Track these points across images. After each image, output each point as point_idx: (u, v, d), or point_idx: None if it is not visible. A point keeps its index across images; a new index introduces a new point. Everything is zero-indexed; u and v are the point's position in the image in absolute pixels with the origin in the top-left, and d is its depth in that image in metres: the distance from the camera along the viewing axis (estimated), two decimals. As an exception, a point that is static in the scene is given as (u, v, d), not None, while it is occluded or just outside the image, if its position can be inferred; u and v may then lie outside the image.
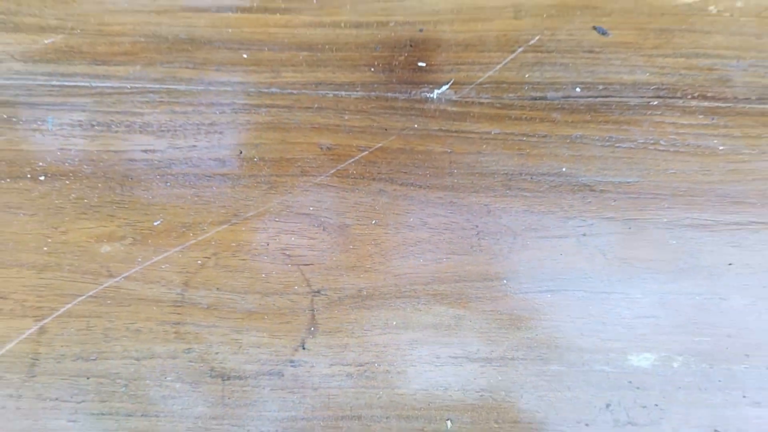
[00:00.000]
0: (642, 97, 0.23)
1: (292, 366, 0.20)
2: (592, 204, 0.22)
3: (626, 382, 0.20)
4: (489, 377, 0.20)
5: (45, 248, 0.21)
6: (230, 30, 0.24)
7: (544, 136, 0.23)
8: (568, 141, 0.23)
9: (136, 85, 0.23)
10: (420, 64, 0.23)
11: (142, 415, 0.20)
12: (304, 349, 0.20)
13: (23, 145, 0.22)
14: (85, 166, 0.22)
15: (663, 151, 0.23)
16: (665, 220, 0.22)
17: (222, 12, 0.24)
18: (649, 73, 0.24)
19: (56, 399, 0.20)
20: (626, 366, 0.20)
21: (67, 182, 0.22)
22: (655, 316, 0.21)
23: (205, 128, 0.22)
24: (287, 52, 0.23)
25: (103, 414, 0.20)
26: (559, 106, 0.23)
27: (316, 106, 0.23)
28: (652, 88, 0.23)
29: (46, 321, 0.20)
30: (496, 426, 0.20)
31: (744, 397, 0.20)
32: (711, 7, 0.24)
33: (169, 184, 0.22)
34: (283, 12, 0.24)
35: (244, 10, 0.24)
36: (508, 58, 0.23)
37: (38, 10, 0.24)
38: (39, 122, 0.23)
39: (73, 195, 0.21)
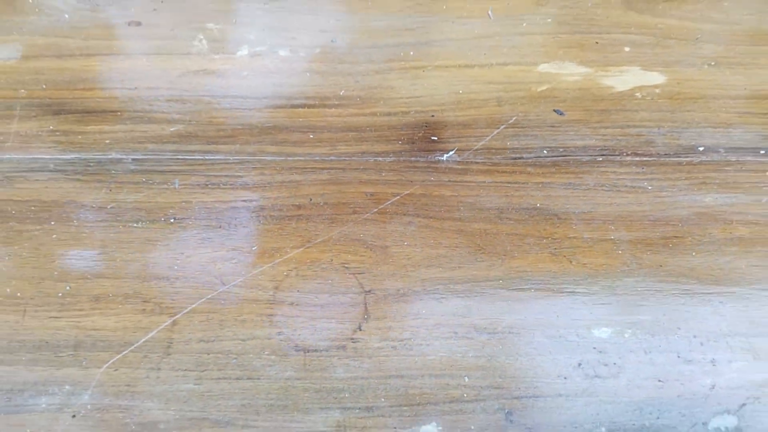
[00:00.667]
0: (591, 155, 0.42)
1: (352, 342, 0.37)
2: (559, 227, 0.40)
3: (591, 348, 0.37)
4: (493, 346, 0.37)
5: (175, 266, 0.38)
6: (301, 119, 0.43)
7: (523, 183, 0.41)
8: (540, 186, 0.41)
9: (236, 158, 0.42)
10: (433, 138, 0.42)
11: (248, 378, 0.36)
12: (360, 330, 0.37)
13: (158, 198, 0.41)
14: (202, 212, 0.40)
15: (608, 191, 0.41)
16: (612, 237, 0.39)
17: (295, 108, 0.43)
18: (595, 139, 0.42)
19: (185, 369, 0.36)
20: (590, 337, 0.37)
21: (190, 222, 0.39)
22: (609, 303, 0.38)
23: (285, 184, 0.41)
24: (340, 132, 0.42)
25: (219, 378, 0.36)
26: (532, 163, 0.41)
27: (361, 167, 0.41)
28: (598, 149, 0.42)
29: (177, 316, 0.38)
30: (500, 380, 0.36)
31: (678, 357, 0.36)
32: (637, 94, 0.44)
33: (261, 222, 0.40)
34: (336, 106, 0.43)
35: (310, 105, 0.43)
36: (495, 132, 0.42)
37: (166, 108, 0.43)
38: (168, 183, 0.41)
39: (194, 231, 0.39)
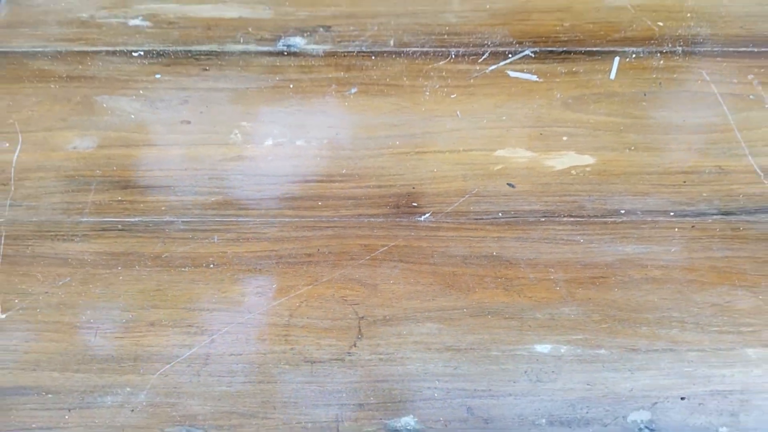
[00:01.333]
0: (536, 217, 0.58)
1: (349, 355, 0.52)
2: (510, 270, 0.55)
3: (535, 360, 0.52)
4: (458, 359, 0.52)
5: (214, 299, 0.54)
6: (312, 191, 0.60)
7: (483, 237, 0.57)
8: (496, 239, 0.57)
9: (262, 219, 0.58)
10: (413, 204, 0.59)
11: (267, 382, 0.51)
12: (355, 346, 0.52)
13: (201, 250, 0.57)
14: (235, 260, 0.56)
15: (549, 243, 0.57)
16: (552, 277, 0.55)
17: (308, 183, 0.60)
18: (539, 205, 0.59)
19: (219, 375, 0.51)
20: (534, 351, 0.52)
21: (225, 268, 0.56)
22: (549, 326, 0.53)
23: (299, 239, 0.57)
24: (342, 200, 0.59)
25: (245, 382, 0.51)
26: (490, 222, 0.58)
27: (358, 226, 0.58)
28: (541, 212, 0.58)
29: (214, 336, 0.53)
30: (463, 384, 0.51)
31: (603, 367, 0.51)
32: (572, 171, 0.60)
33: (280, 266, 0.56)
34: (339, 181, 0.60)
35: (319, 181, 0.60)
36: (461, 200, 0.59)
37: (208, 184, 0.60)
38: (209, 239, 0.57)
39: (229, 274, 0.55)
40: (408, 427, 0.51)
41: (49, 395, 0.54)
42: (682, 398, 0.53)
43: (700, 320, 0.58)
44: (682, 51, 0.79)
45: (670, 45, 0.79)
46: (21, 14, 0.84)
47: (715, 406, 0.53)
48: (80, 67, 0.77)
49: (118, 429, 0.52)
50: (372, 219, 0.65)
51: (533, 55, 0.77)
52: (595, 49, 0.78)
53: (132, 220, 0.65)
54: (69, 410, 0.53)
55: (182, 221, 0.65)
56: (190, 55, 0.78)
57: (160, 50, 0.78)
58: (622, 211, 0.65)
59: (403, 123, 0.73)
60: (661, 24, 0.81)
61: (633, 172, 0.68)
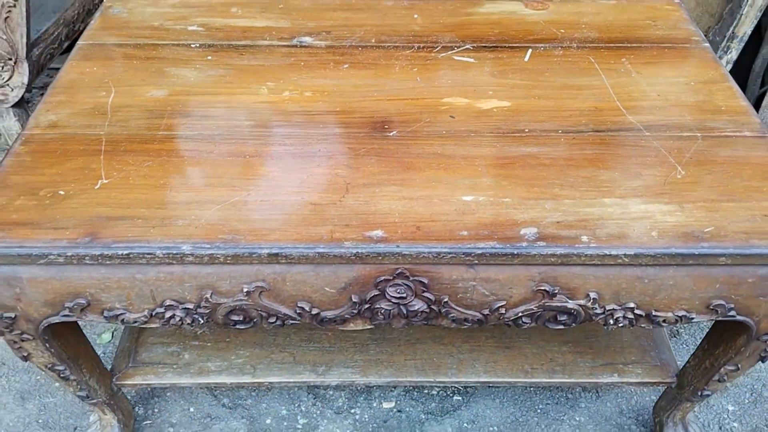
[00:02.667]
0: (467, 134, 0.95)
1: (340, 201, 0.87)
2: (448, 160, 0.91)
3: (462, 203, 0.86)
4: None
5: (248, 176, 0.90)
6: (315, 118, 0.97)
7: (431, 144, 0.94)
8: (440, 145, 0.93)
9: (282, 132, 0.94)
10: (386, 126, 0.95)
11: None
12: (343, 197, 0.87)
13: (241, 148, 0.92)
14: (263, 153, 0.92)
15: (476, 147, 0.93)
16: (476, 163, 0.91)
17: (311, 114, 0.97)
18: (470, 126, 0.96)
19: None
20: (462, 200, 0.87)
21: (257, 158, 0.91)
22: (473, 186, 0.88)
23: (306, 144, 0.93)
24: (336, 123, 0.96)
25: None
26: (437, 136, 0.95)
27: (347, 136, 0.94)
28: (471, 131, 0.96)
29: (251, 190, 0.88)
30: None
31: (506, 207, 0.86)
32: (494, 110, 0.97)
33: (293, 156, 0.91)
34: (335, 114, 0.97)
35: (320, 113, 0.97)
36: (418, 125, 0.96)
37: (242, 115, 0.97)
38: (246, 143, 0.93)
39: (260, 159, 0.91)
40: (377, 236, 0.84)
41: (140, 220, 0.87)
42: (558, 222, 0.86)
43: (574, 184, 0.93)
44: (576, 46, 1.20)
45: (568, 43, 1.20)
46: (110, 22, 1.26)
47: (581, 225, 0.86)
48: (153, 52, 1.17)
49: (187, 237, 0.84)
50: (357, 132, 1.01)
51: (471, 48, 1.18)
52: (515, 44, 1.20)
53: (191, 133, 1.01)
54: (152, 228, 0.86)
55: (226, 134, 1.00)
56: (231, 47, 1.18)
57: (210, 43, 1.19)
58: (526, 130, 1.02)
59: (380, 83, 1.11)
60: (563, 31, 1.23)
61: (536, 110, 1.06)
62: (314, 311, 0.92)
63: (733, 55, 1.60)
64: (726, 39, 1.59)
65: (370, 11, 1.32)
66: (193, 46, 1.21)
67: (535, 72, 1.16)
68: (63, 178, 0.94)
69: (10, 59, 1.58)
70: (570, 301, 0.91)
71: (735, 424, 1.37)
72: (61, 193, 0.92)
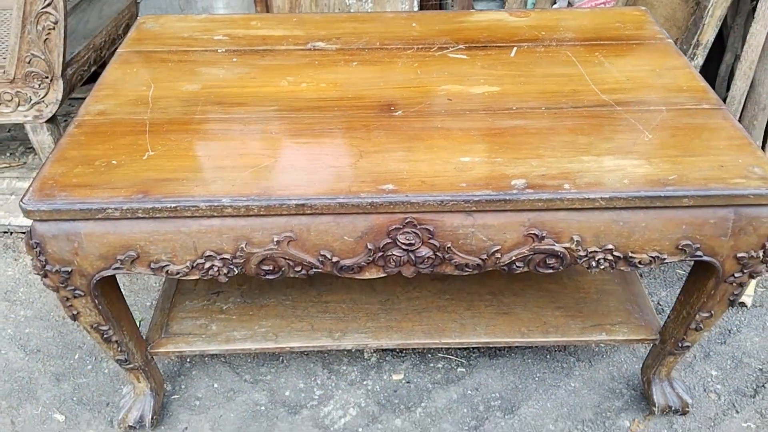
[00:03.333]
0: (463, 112, 1.11)
1: (355, 164, 1.03)
2: (447, 132, 1.07)
3: (460, 163, 1.02)
4: None
5: (276, 151, 1.06)
6: (330, 103, 1.13)
7: (432, 120, 1.11)
8: (440, 121, 1.10)
9: (302, 114, 1.11)
10: (392, 108, 1.12)
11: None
12: (357, 162, 1.03)
13: (265, 126, 1.09)
14: (286, 131, 1.08)
15: (470, 120, 1.10)
16: (472, 134, 1.07)
17: (326, 100, 1.13)
18: (465, 106, 1.12)
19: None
20: (460, 161, 1.03)
21: (280, 134, 1.07)
22: (469, 150, 1.04)
23: (323, 122, 1.09)
24: (349, 106, 1.12)
25: None
26: (437, 113, 1.11)
27: (359, 116, 1.11)
28: (467, 109, 1.12)
29: (275, 159, 1.04)
30: None
31: (499, 165, 1.02)
32: (485, 93, 1.14)
33: (314, 131, 1.08)
34: (347, 99, 1.14)
35: (334, 99, 1.14)
36: (420, 105, 1.12)
37: (267, 103, 1.13)
38: (269, 123, 1.09)
39: (285, 135, 1.07)
40: (388, 189, 0.98)
41: (184, 181, 1.01)
42: (544, 174, 1.01)
43: (556, 147, 1.08)
44: (556, 44, 1.37)
45: (548, 42, 1.38)
46: (144, 34, 1.43)
47: (563, 177, 1.01)
48: (185, 56, 1.34)
49: (225, 193, 0.99)
50: (367, 113, 1.17)
51: (464, 48, 1.36)
52: (502, 44, 1.37)
53: (223, 116, 1.16)
54: (195, 186, 1.01)
55: (253, 117, 1.16)
56: (253, 51, 1.36)
57: (234, 49, 1.36)
58: (514, 108, 1.18)
59: (384, 76, 1.28)
60: (544, 33, 1.41)
61: (522, 93, 1.22)
62: (335, 259, 1.06)
63: (699, 61, 1.78)
64: (692, 47, 1.77)
65: (374, 22, 1.50)
66: (219, 51, 1.38)
67: (520, 65, 1.33)
68: (114, 152, 1.09)
69: (47, 77, 1.75)
70: (557, 244, 1.04)
71: (718, 386, 1.48)
72: (114, 162, 1.06)
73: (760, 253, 1.07)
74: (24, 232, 1.94)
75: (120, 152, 1.09)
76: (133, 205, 0.99)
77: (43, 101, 1.78)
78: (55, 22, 1.65)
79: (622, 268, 1.09)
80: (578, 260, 1.07)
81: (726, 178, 1.02)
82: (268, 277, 1.08)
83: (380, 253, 1.06)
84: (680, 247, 1.06)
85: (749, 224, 1.03)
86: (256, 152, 1.09)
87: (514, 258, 1.06)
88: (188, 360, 1.55)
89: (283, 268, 1.07)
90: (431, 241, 1.04)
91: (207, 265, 1.06)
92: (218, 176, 1.04)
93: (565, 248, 1.05)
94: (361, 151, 1.09)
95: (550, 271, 1.08)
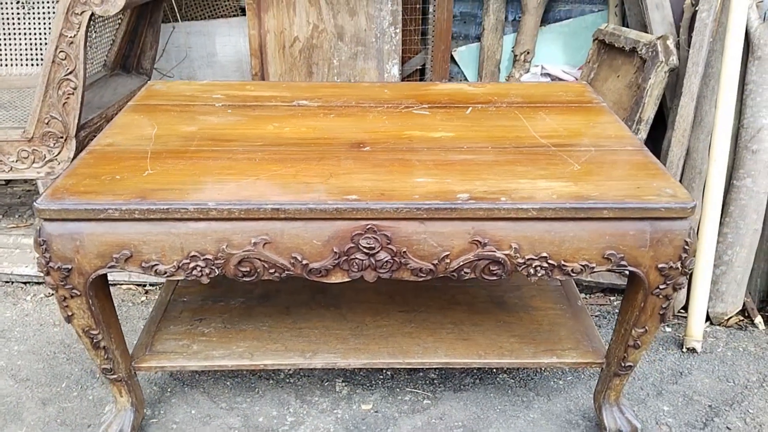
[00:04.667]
0: (422, 149, 1.32)
1: (330, 179, 1.23)
2: (411, 154, 1.28)
3: (436, 147, 1.23)
4: None
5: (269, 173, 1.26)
6: (308, 140, 1.34)
7: (397, 151, 1.31)
8: (406, 152, 1.31)
9: (293, 147, 1.32)
10: (360, 144, 1.33)
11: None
12: (327, 182, 1.23)
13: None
14: (284, 141, 1.29)
15: (430, 151, 1.30)
16: (438, 146, 1.28)
17: (305, 140, 1.35)
18: (426, 146, 1.33)
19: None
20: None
21: (275, 151, 1.28)
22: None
23: (298, 158, 1.30)
24: (324, 144, 1.33)
25: None
26: (401, 149, 1.32)
27: (332, 151, 1.32)
28: (426, 147, 1.33)
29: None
30: None
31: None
32: (441, 137, 1.35)
33: (299, 151, 1.28)
34: (322, 138, 1.35)
35: (313, 138, 1.35)
36: (385, 144, 1.34)
37: (264, 144, 1.35)
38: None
39: (278, 152, 1.28)
40: (352, 198, 1.16)
41: (177, 190, 1.19)
42: (485, 191, 1.19)
43: (498, 173, 1.27)
44: (506, 105, 1.61)
45: (499, 104, 1.62)
46: (153, 93, 1.67)
47: (501, 192, 1.19)
48: (186, 108, 1.57)
49: (211, 199, 1.16)
50: (339, 148, 1.37)
51: (427, 107, 1.59)
52: (460, 105, 1.61)
53: (215, 148, 1.36)
54: (186, 194, 1.18)
55: (241, 149, 1.35)
56: (246, 105, 1.59)
57: (230, 104, 1.59)
58: (465, 147, 1.38)
59: (357, 124, 1.50)
60: (496, 98, 1.65)
61: (472, 137, 1.44)
62: (305, 262, 1.21)
63: (643, 135, 2.01)
64: (635, 122, 2.01)
65: (352, 88, 1.74)
66: (216, 105, 1.61)
67: (474, 119, 1.55)
68: (119, 170, 1.27)
69: (62, 137, 1.97)
70: (498, 251, 1.20)
71: (670, 419, 1.57)
72: (118, 177, 1.24)
73: (678, 264, 1.22)
74: (25, 282, 2.08)
75: (123, 171, 1.27)
76: (131, 207, 1.16)
77: (56, 159, 2.00)
78: (75, 88, 1.90)
79: (557, 277, 1.24)
80: (518, 267, 1.22)
81: (641, 195, 1.20)
82: (244, 279, 1.23)
83: (345, 257, 1.21)
84: (606, 257, 1.21)
85: (665, 236, 1.20)
86: (241, 172, 1.27)
87: (462, 263, 1.21)
88: (168, 389, 1.64)
89: (258, 270, 1.22)
90: (389, 246, 1.20)
91: (191, 265, 1.20)
92: (207, 187, 1.21)
93: (506, 255, 1.21)
94: (332, 173, 1.27)
95: (494, 278, 1.23)
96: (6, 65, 2.43)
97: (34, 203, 1.16)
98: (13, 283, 2.06)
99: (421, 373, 1.68)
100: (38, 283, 2.05)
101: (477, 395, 1.61)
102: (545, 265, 1.22)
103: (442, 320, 1.56)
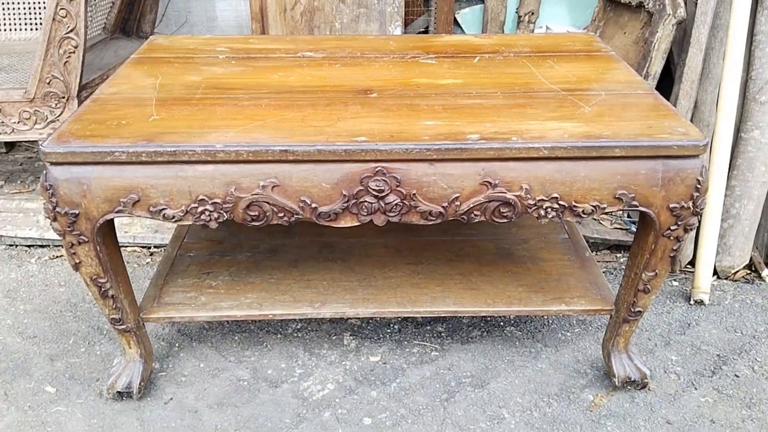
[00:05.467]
0: (427, 94, 1.31)
1: (336, 123, 1.21)
2: (418, 100, 1.27)
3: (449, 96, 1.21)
4: None
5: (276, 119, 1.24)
6: (313, 86, 1.33)
7: (403, 97, 1.29)
8: (411, 97, 1.29)
9: (303, 92, 1.30)
10: (367, 91, 1.32)
11: None
12: (335, 125, 1.22)
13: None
14: (289, 91, 1.27)
15: (437, 99, 1.29)
16: (442, 102, 1.26)
17: (312, 86, 1.33)
18: (433, 92, 1.32)
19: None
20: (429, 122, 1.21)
21: (281, 96, 1.26)
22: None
23: (312, 100, 1.28)
24: (333, 90, 1.32)
25: None
26: (406, 95, 1.30)
27: (340, 97, 1.30)
28: (433, 94, 1.31)
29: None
30: None
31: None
32: (450, 84, 1.34)
33: (307, 100, 1.26)
34: (332, 84, 1.33)
35: (320, 85, 1.33)
36: (391, 90, 1.32)
37: (266, 92, 1.33)
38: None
39: (283, 98, 1.26)
40: (361, 140, 1.15)
41: (184, 133, 1.18)
42: (495, 131, 1.18)
43: (508, 115, 1.26)
44: (514, 55, 1.58)
45: (507, 54, 1.60)
46: (155, 47, 1.65)
47: (512, 133, 1.18)
48: (190, 60, 1.55)
49: (219, 141, 1.15)
50: (346, 95, 1.35)
51: (433, 57, 1.56)
52: (467, 55, 1.58)
53: (220, 96, 1.34)
54: (193, 137, 1.16)
55: (246, 96, 1.34)
56: (249, 57, 1.57)
57: (233, 56, 1.57)
58: (473, 92, 1.36)
59: (363, 73, 1.48)
60: (504, 48, 1.63)
61: (481, 84, 1.42)
62: (314, 205, 1.20)
63: (649, 90, 2.00)
64: (643, 77, 1.99)
65: (356, 41, 1.72)
66: (220, 57, 1.59)
67: (481, 67, 1.53)
68: (124, 116, 1.26)
69: (63, 97, 1.95)
70: (508, 192, 1.19)
71: (678, 368, 1.57)
72: (123, 122, 1.23)
73: (690, 204, 1.21)
74: (29, 245, 2.08)
75: (129, 117, 1.25)
76: (137, 149, 1.14)
77: (58, 120, 1.98)
78: (76, 47, 1.88)
79: (568, 218, 1.23)
80: (528, 209, 1.21)
81: (653, 134, 1.19)
82: (254, 223, 1.22)
83: (354, 200, 1.20)
84: (617, 197, 1.20)
85: (677, 175, 1.19)
86: (247, 117, 1.25)
87: (472, 205, 1.20)
88: (176, 344, 1.63)
89: (267, 214, 1.21)
90: (399, 188, 1.18)
91: (200, 209, 1.19)
92: (213, 131, 1.20)
93: (516, 196, 1.19)
94: (339, 117, 1.26)
95: (505, 220, 1.22)
96: (6, 30, 2.40)
97: (40, 146, 1.15)
98: (17, 246, 2.05)
99: (428, 326, 1.68)
100: (42, 246, 2.04)
101: (485, 347, 1.61)
102: (556, 206, 1.21)
103: (450, 272, 1.55)
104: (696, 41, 1.82)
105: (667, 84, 2.09)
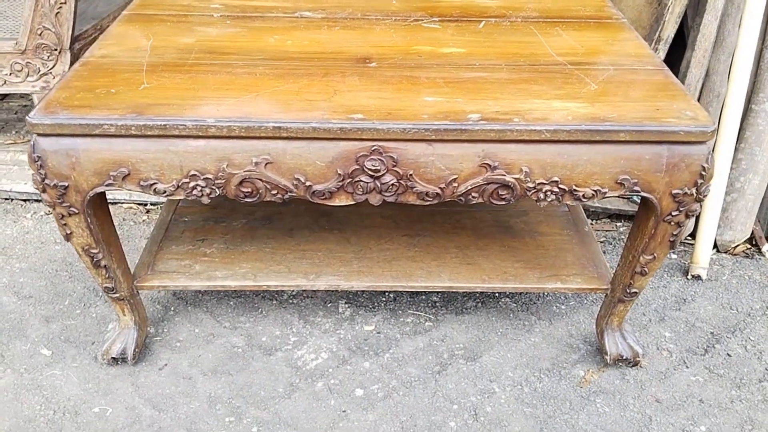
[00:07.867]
0: (430, 65, 1.25)
1: (334, 95, 1.16)
2: (417, 73, 1.21)
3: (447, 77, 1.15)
4: None
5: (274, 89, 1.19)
6: (313, 56, 1.26)
7: (402, 68, 1.23)
8: (410, 69, 1.23)
9: (300, 60, 1.24)
10: (367, 60, 1.26)
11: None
12: (332, 99, 1.16)
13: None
14: (287, 61, 1.21)
15: (437, 70, 1.23)
16: (444, 75, 1.20)
17: (313, 53, 1.27)
18: (433, 61, 1.26)
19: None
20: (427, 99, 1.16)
21: (282, 63, 1.21)
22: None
23: (311, 67, 1.23)
24: (332, 58, 1.25)
25: None
26: (407, 66, 1.24)
27: (340, 65, 1.24)
28: (435, 64, 1.25)
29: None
30: None
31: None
32: (452, 53, 1.27)
33: (304, 68, 1.21)
34: (331, 52, 1.27)
35: (319, 52, 1.27)
36: (391, 60, 1.26)
37: (266, 54, 1.27)
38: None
39: (285, 69, 1.20)
40: (357, 117, 1.10)
41: (175, 105, 1.14)
42: (497, 111, 1.13)
43: (511, 92, 1.21)
44: (521, 20, 1.52)
45: (514, 18, 1.53)
46: (147, 2, 1.57)
47: (514, 113, 1.13)
48: (183, 19, 1.48)
49: (211, 116, 1.11)
50: (344, 63, 1.30)
51: (437, 20, 1.50)
52: (472, 18, 1.52)
53: (214, 62, 1.29)
54: (184, 110, 1.12)
55: (241, 63, 1.28)
56: (245, 16, 1.50)
57: (228, 14, 1.51)
58: (476, 64, 1.31)
59: (363, 38, 1.42)
60: (511, 12, 1.56)
61: (485, 53, 1.36)
62: (308, 183, 1.17)
63: (661, 55, 1.92)
64: (654, 42, 1.92)
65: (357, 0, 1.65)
66: (215, 15, 1.52)
67: (486, 34, 1.47)
68: (113, 84, 1.21)
69: (56, 49, 1.89)
70: (507, 175, 1.16)
71: (671, 345, 1.57)
72: (113, 91, 1.19)
73: (693, 191, 1.18)
74: (25, 199, 2.06)
75: (119, 84, 1.21)
76: (127, 122, 1.11)
77: (51, 72, 1.92)
78: (67, -3, 1.80)
79: (568, 202, 1.20)
80: (527, 192, 1.18)
81: (660, 118, 1.14)
82: (246, 200, 1.19)
83: (349, 179, 1.17)
84: (619, 182, 1.17)
85: (681, 161, 1.15)
86: (241, 88, 1.21)
87: (470, 187, 1.17)
88: (171, 308, 1.64)
89: (260, 191, 1.18)
90: (395, 168, 1.15)
91: (191, 185, 1.17)
92: (205, 103, 1.16)
93: (515, 179, 1.16)
94: (336, 90, 1.21)
95: (503, 202, 1.19)
96: (-7, -28, 2.31)
97: (27, 117, 1.11)
98: (12, 200, 2.03)
99: (423, 296, 1.67)
100: (38, 201, 2.02)
101: (479, 318, 1.61)
102: (556, 189, 1.17)
103: (447, 245, 1.54)
104: (712, 7, 1.74)
105: (679, 48, 2.01)
